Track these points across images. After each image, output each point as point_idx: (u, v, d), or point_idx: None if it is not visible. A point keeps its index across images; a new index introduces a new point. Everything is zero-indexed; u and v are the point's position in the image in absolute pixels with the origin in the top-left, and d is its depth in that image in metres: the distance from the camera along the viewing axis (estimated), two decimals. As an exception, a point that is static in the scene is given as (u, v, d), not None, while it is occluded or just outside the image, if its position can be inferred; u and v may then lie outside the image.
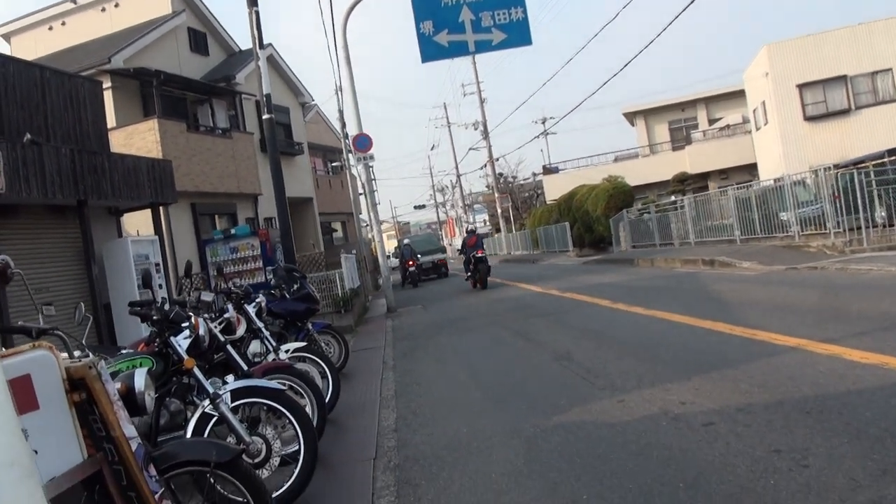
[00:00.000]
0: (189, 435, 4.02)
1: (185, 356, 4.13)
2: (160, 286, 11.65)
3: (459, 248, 22.39)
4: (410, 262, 27.09)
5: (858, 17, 64.64)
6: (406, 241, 32.06)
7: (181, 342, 4.20)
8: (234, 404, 4.18)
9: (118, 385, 2.99)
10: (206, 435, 4.03)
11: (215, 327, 4.86)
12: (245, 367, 4.92)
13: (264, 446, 4.15)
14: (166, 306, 4.37)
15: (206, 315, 4.88)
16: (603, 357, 6.87)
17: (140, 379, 3.02)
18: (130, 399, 2.99)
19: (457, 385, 6.79)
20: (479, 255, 18.60)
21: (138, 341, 4.68)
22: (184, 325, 4.26)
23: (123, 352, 4.40)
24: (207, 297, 5.25)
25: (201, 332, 4.30)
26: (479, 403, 5.88)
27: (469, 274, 19.19)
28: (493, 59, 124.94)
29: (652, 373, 5.84)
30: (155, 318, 4.19)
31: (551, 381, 6.19)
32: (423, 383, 7.21)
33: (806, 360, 5.43)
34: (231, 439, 4.16)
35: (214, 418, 4.09)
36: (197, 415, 4.06)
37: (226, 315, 5.21)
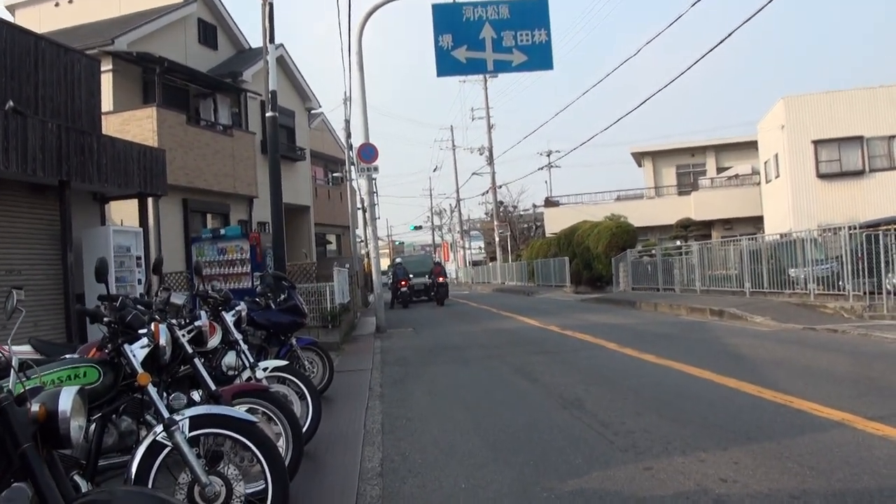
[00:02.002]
0: (135, 466, 3.29)
1: (140, 370, 3.43)
2: (139, 281, 10.95)
3: (428, 274, 28.49)
4: (403, 283, 27.26)
5: (878, 80, 64.90)
6: (399, 260, 31.82)
7: (137, 352, 3.52)
8: (193, 433, 3.47)
9: (36, 408, 2.27)
10: (154, 469, 3.31)
11: (183, 336, 4.18)
12: (212, 387, 4.23)
13: (224, 489, 3.43)
14: (130, 305, 3.67)
15: (173, 321, 4.19)
16: (619, 409, 6.22)
17: (66, 401, 2.29)
18: (51, 426, 2.27)
19: (452, 426, 6.13)
20: (441, 280, 27.34)
21: (90, 344, 3.98)
22: (142, 331, 3.55)
23: (68, 356, 3.69)
24: (178, 299, 4.60)
25: (162, 341, 3.61)
26: (478, 452, 5.18)
27: (433, 294, 27.44)
28: (505, 85, 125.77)
29: (680, 436, 5.15)
30: (107, 319, 3.48)
31: (562, 433, 5.51)
32: (414, 419, 6.55)
33: (858, 440, 4.75)
34: (185, 476, 3.44)
35: (167, 449, 3.37)
36: (146, 443, 3.35)
37: (197, 322, 4.51)
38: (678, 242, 25.63)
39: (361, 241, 46.65)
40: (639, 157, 42.05)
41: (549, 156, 57.98)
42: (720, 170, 39.40)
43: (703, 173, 39.63)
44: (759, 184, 33.51)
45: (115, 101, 16.09)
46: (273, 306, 7.19)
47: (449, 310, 23.63)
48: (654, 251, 22.58)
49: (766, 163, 30.50)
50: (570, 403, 6.62)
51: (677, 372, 7.94)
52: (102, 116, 12.61)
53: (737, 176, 36.78)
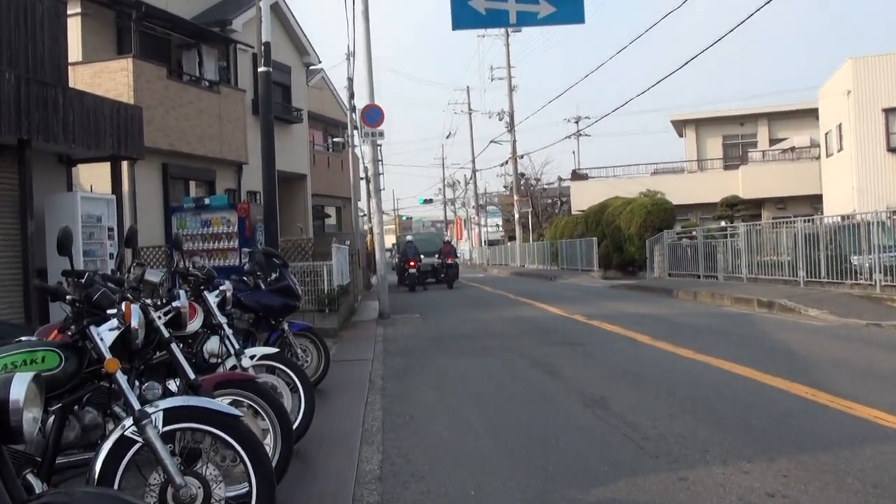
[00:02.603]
0: (99, 465, 3.27)
1: (108, 355, 3.40)
2: (111, 256, 10.97)
3: (437, 254, 29.24)
4: (412, 263, 27.36)
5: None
6: (409, 237, 31.96)
7: (105, 335, 3.49)
8: (167, 428, 3.45)
9: (-19, 397, 2.24)
10: (121, 469, 3.29)
11: (159, 318, 4.17)
12: (192, 375, 4.21)
13: (201, 491, 3.41)
14: (96, 280, 3.64)
15: (148, 301, 4.16)
16: (650, 410, 6.18)
17: (19, 388, 2.25)
18: (1, 418, 2.23)
19: (462, 425, 6.12)
20: (450, 261, 27.86)
21: (50, 326, 3.97)
22: (111, 311, 3.52)
23: (24, 339, 3.66)
24: (154, 276, 4.56)
25: (134, 323, 3.58)
26: (490, 454, 5.16)
27: (442, 276, 28.03)
28: (529, 40, 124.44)
29: (719, 442, 5.11)
30: (70, 298, 3.45)
31: (584, 436, 5.48)
32: (418, 416, 6.54)
33: (928, 452, 4.68)
34: (157, 476, 3.43)
35: (138, 445, 3.35)
36: (113, 438, 3.33)
37: (176, 303, 4.49)
38: (723, 223, 25.44)
39: (364, 215, 46.71)
40: (680, 125, 41.66)
41: (577, 123, 57.67)
42: (773, 141, 38.99)
43: (753, 145, 39.24)
44: (818, 158, 33.14)
45: (85, 50, 16.02)
46: (263, 287, 7.17)
47: (460, 294, 23.64)
48: (694, 233, 22.42)
49: (827, 134, 30.11)
50: (595, 402, 6.59)
51: (718, 370, 7.87)
52: (70, 67, 12.55)
53: (792, 149, 36.37)
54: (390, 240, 53.96)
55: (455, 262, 28.29)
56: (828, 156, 30.06)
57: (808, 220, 16.74)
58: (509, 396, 7.15)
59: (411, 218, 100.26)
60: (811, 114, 33.99)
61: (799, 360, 8.27)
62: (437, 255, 29.89)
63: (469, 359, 9.68)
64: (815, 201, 31.84)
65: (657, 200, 26.86)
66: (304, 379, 5.75)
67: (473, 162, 59.29)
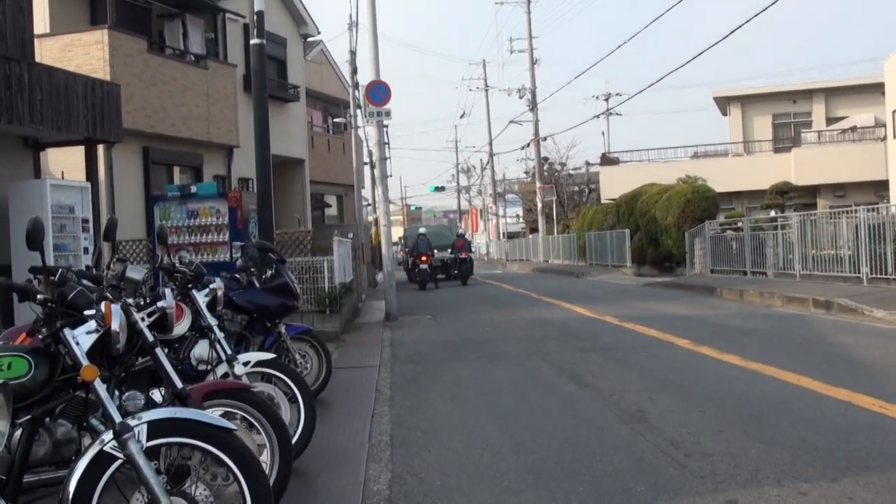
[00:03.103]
0: (73, 484, 3.27)
1: (85, 361, 3.40)
2: (86, 250, 11.01)
3: (450, 248, 30.22)
4: (424, 258, 27.33)
5: None
6: (422, 230, 32.30)
7: (81, 338, 3.49)
8: (152, 443, 3.45)
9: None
10: (99, 488, 3.29)
11: (142, 319, 4.18)
12: (179, 384, 4.22)
13: (190, 513, 3.41)
14: (69, 277, 3.64)
15: (129, 300, 4.16)
16: (693, 424, 6.15)
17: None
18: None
19: (481, 440, 6.11)
20: (464, 256, 28.95)
21: (17, 329, 3.97)
22: (88, 312, 3.52)
23: (-11, 344, 3.67)
24: (136, 273, 4.57)
25: (115, 325, 3.59)
26: (513, 474, 5.15)
27: (455, 272, 29.12)
28: (553, 6, 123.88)
29: (773, 461, 5.06)
30: (41, 297, 3.44)
31: (620, 453, 5.46)
32: (431, 430, 6.55)
33: None
34: (140, 497, 3.42)
35: (118, 462, 3.35)
36: (91, 454, 3.33)
37: (161, 303, 4.49)
38: (772, 213, 25.29)
39: (368, 204, 46.67)
40: (723, 102, 41.42)
41: (607, 100, 57.56)
42: (830, 120, 38.71)
43: (807, 125, 38.97)
44: (883, 139, 32.85)
45: (54, 22, 16.07)
46: (257, 285, 7.20)
47: (476, 293, 23.65)
48: (740, 223, 22.30)
49: (894, 112, 29.85)
50: (631, 415, 6.57)
51: (769, 378, 7.83)
52: (36, 40, 12.58)
53: (853, 129, 36.07)
54: (397, 232, 54.04)
55: (469, 257, 29.16)
56: (895, 136, 29.79)
57: (873, 209, 16.60)
58: (533, 408, 7.14)
59: (421, 208, 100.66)
60: (875, 89, 33.68)
61: (863, 368, 8.19)
62: (449, 250, 30.36)
63: (487, 366, 9.68)
64: (879, 188, 31.56)
65: (698, 187, 26.69)
66: (303, 388, 5.75)
67: (490, 145, 59.37)
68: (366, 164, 37.45)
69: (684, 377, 8.21)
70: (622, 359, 9.61)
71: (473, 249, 73.27)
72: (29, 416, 3.41)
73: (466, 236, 32.69)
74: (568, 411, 6.92)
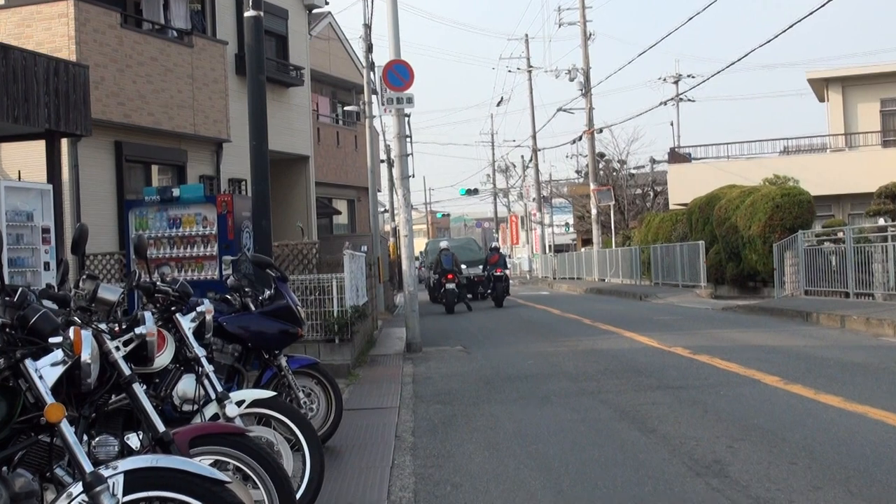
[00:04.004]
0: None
1: (49, 399, 3.44)
2: (47, 266, 11.14)
3: (483, 264, 31.44)
4: (451, 276, 27.55)
5: None
6: (444, 244, 32.56)
7: (45, 371, 3.54)
8: (129, 498, 3.50)
9: None
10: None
11: (117, 349, 4.23)
12: (160, 427, 4.25)
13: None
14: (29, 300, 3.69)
15: (102, 326, 4.22)
16: (783, 479, 6.14)
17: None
18: None
19: (524, 498, 6.14)
20: (499, 273, 29.01)
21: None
22: (54, 340, 3.56)
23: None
24: (110, 293, 4.62)
25: (86, 356, 3.63)
26: (564, 539, 5.13)
27: (489, 291, 29.70)
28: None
29: (884, 525, 5.01)
30: (-5, 323, 3.50)
31: (695, 515, 5.42)
32: (463, 485, 6.57)
33: None
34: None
35: (89, 520, 3.39)
36: (57, 511, 3.36)
37: (139, 330, 4.54)
38: (881, 221, 24.98)
39: (385, 210, 46.66)
40: (820, 85, 41.12)
41: (676, 83, 57.48)
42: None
43: (924, 113, 38.59)
44: None
45: (9, -10, 16.34)
46: (252, 308, 7.25)
47: (516, 318, 23.62)
48: (841, 234, 22.10)
49: None
50: (706, 468, 6.55)
51: (879, 424, 7.77)
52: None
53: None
54: (420, 244, 54.20)
55: (505, 275, 29.58)
56: None
57: None
58: (587, 459, 7.13)
59: (449, 215, 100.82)
60: None
61: None
62: (480, 266, 31.68)
63: (531, 407, 9.68)
64: None
65: (788, 190, 26.50)
66: (309, 433, 5.79)
67: (534, 138, 59.36)
68: (382, 161, 37.63)
69: (772, 421, 8.16)
70: (696, 399, 9.56)
71: (513, 266, 73.44)
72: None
73: (502, 250, 33.63)
74: (629, 462, 6.90)
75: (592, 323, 20.15)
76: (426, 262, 36.68)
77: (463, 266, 29.44)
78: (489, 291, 29.61)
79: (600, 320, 20.58)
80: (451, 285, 27.33)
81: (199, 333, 5.76)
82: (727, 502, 5.67)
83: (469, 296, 29.96)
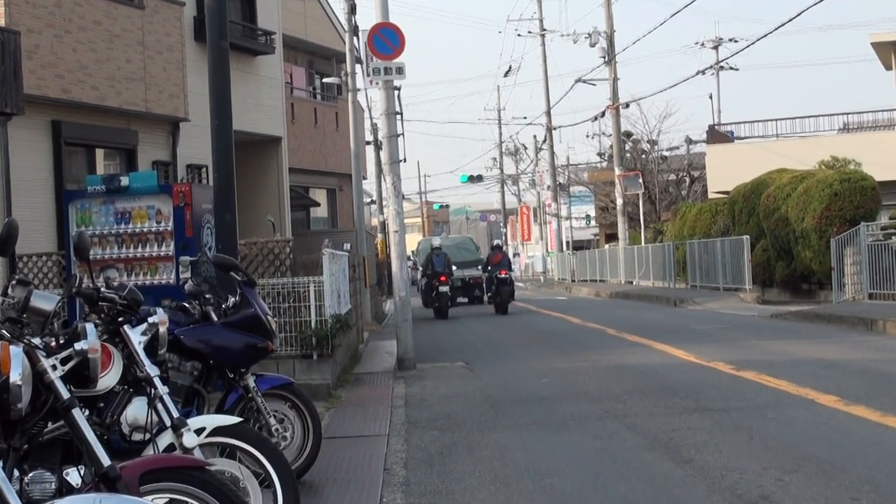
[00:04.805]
0: None
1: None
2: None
3: (483, 265, 31.91)
4: (443, 278, 29.17)
5: None
6: (437, 242, 33.82)
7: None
8: (68, 545, 3.50)
9: None
10: None
11: (54, 367, 4.25)
12: (105, 460, 4.27)
13: None
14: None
15: (35, 341, 4.22)
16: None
17: None
18: None
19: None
20: (503, 275, 29.17)
21: None
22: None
23: None
24: (45, 301, 4.64)
25: (15, 376, 3.63)
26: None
27: (490, 296, 30.27)
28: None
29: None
30: None
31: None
32: (464, 527, 6.52)
33: None
34: None
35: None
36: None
37: (80, 345, 4.54)
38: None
39: (372, 202, 46.61)
40: (887, 50, 41.09)
41: (716, 49, 57.50)
42: None
43: None
44: None
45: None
46: (215, 318, 7.25)
47: (527, 328, 23.63)
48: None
49: None
50: (755, 507, 6.54)
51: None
52: None
53: None
54: (413, 241, 54.21)
55: (510, 277, 29.98)
56: None
57: None
58: (612, 495, 7.13)
59: (448, 206, 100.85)
60: None
61: None
62: (477, 267, 32.87)
63: (546, 434, 9.67)
64: None
65: (849, 175, 26.49)
66: (281, 466, 5.78)
67: (549, 115, 59.32)
68: (369, 143, 37.64)
69: (830, 450, 8.16)
70: (740, 423, 9.56)
71: (525, 267, 73.35)
72: None
73: (511, 248, 34.43)
74: (662, 499, 6.91)
75: (618, 334, 20.18)
76: (418, 263, 37.10)
77: (454, 267, 30.61)
78: (490, 295, 30.07)
79: (627, 330, 20.59)
80: (444, 288, 28.78)
81: (151, 349, 5.76)
82: (777, 546, 5.69)
83: (465, 300, 31.82)
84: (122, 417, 5.58)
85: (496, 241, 36.89)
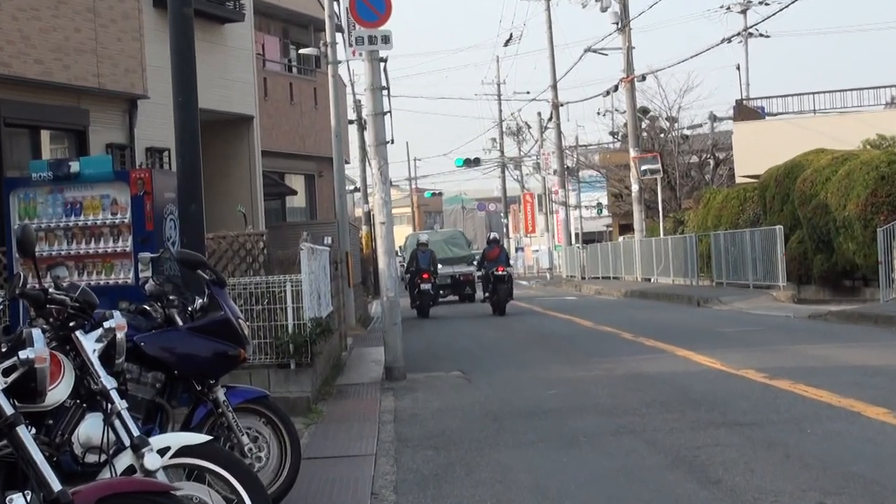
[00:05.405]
0: None
1: None
2: None
3: (478, 261, 32.68)
4: (425, 276, 30.54)
5: None
6: (424, 237, 35.57)
7: None
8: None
9: None
10: None
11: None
12: (55, 485, 4.28)
13: None
14: None
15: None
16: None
17: None
18: None
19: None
20: (500, 272, 29.76)
21: None
22: None
23: None
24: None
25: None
26: None
27: (486, 295, 30.65)
28: None
29: None
30: None
31: None
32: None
33: None
34: None
35: None
36: None
37: (25, 353, 4.55)
38: None
39: (356, 189, 46.62)
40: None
41: (744, 13, 57.47)
42: None
43: None
44: None
45: None
46: (180, 322, 7.26)
47: (531, 331, 23.68)
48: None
49: None
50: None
51: None
52: None
53: None
54: (403, 234, 54.22)
55: (508, 274, 30.42)
56: None
57: None
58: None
59: (441, 194, 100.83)
60: None
61: None
62: (469, 263, 34.50)
63: (554, 452, 9.68)
64: None
65: (896, 155, 26.56)
66: (255, 491, 5.79)
67: (555, 88, 59.36)
68: (351, 123, 37.61)
69: (877, 468, 8.15)
70: (774, 439, 9.56)
71: (531, 262, 73.46)
72: None
73: (511, 242, 35.44)
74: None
75: (634, 338, 20.25)
76: (405, 260, 37.57)
77: (440, 264, 31.91)
78: (487, 295, 30.42)
79: (645, 334, 20.64)
80: (425, 286, 30.23)
81: (107, 358, 5.73)
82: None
83: (455, 298, 33.31)
84: (73, 436, 5.58)
85: (492, 235, 37.19)
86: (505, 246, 33.82)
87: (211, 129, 21.95)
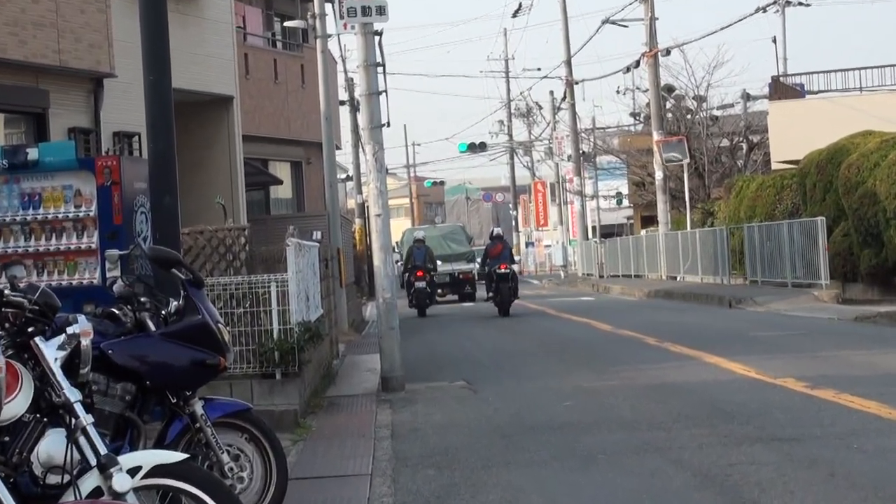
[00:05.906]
0: None
1: None
2: None
3: (480, 258, 33.03)
4: (420, 273, 31.41)
5: None
6: (421, 233, 35.73)
7: None
8: None
9: None
10: None
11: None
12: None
13: None
14: None
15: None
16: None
17: None
18: None
19: None
20: (503, 270, 30.42)
21: None
22: None
23: None
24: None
25: None
26: None
27: (489, 295, 30.97)
28: None
29: None
30: None
31: None
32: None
33: None
34: None
35: None
36: None
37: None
38: None
39: (348, 178, 46.70)
40: None
41: (781, -19, 57.34)
42: None
43: None
44: None
45: None
46: (153, 327, 7.27)
47: (544, 336, 23.70)
48: None
49: None
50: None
51: None
52: None
53: None
54: (400, 227, 54.23)
55: (512, 272, 31.15)
56: None
57: None
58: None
59: (443, 182, 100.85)
60: None
61: None
62: (468, 260, 35.70)
63: (569, 472, 9.70)
64: None
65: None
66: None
67: (569, 64, 59.38)
68: (343, 104, 37.63)
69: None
70: (816, 456, 9.54)
71: (543, 258, 73.73)
72: None
73: (520, 237, 35.96)
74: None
75: (659, 343, 20.27)
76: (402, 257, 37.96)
77: (439, 262, 32.89)
78: (490, 295, 30.79)
79: (670, 339, 20.64)
80: (420, 283, 31.06)
81: (71, 367, 5.74)
82: None
83: (454, 297, 34.35)
84: (33, 455, 5.57)
85: (495, 230, 37.48)
86: (510, 242, 34.18)
87: (186, 112, 21.96)
